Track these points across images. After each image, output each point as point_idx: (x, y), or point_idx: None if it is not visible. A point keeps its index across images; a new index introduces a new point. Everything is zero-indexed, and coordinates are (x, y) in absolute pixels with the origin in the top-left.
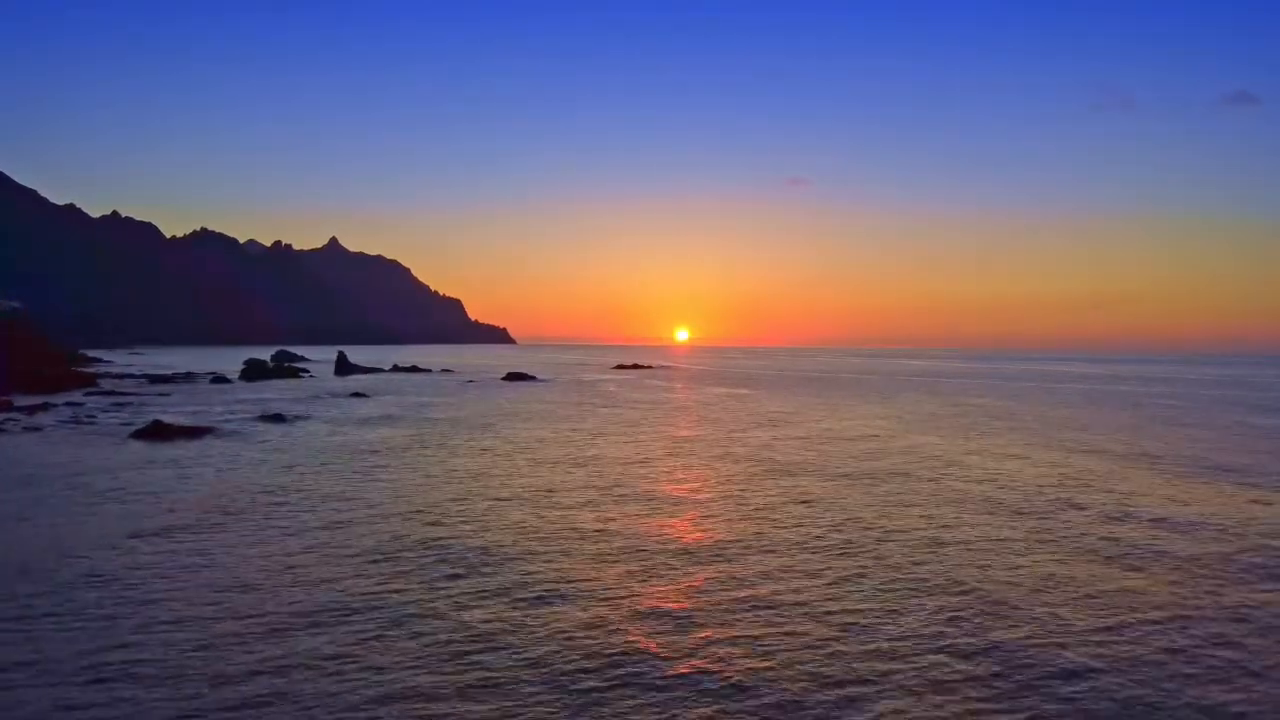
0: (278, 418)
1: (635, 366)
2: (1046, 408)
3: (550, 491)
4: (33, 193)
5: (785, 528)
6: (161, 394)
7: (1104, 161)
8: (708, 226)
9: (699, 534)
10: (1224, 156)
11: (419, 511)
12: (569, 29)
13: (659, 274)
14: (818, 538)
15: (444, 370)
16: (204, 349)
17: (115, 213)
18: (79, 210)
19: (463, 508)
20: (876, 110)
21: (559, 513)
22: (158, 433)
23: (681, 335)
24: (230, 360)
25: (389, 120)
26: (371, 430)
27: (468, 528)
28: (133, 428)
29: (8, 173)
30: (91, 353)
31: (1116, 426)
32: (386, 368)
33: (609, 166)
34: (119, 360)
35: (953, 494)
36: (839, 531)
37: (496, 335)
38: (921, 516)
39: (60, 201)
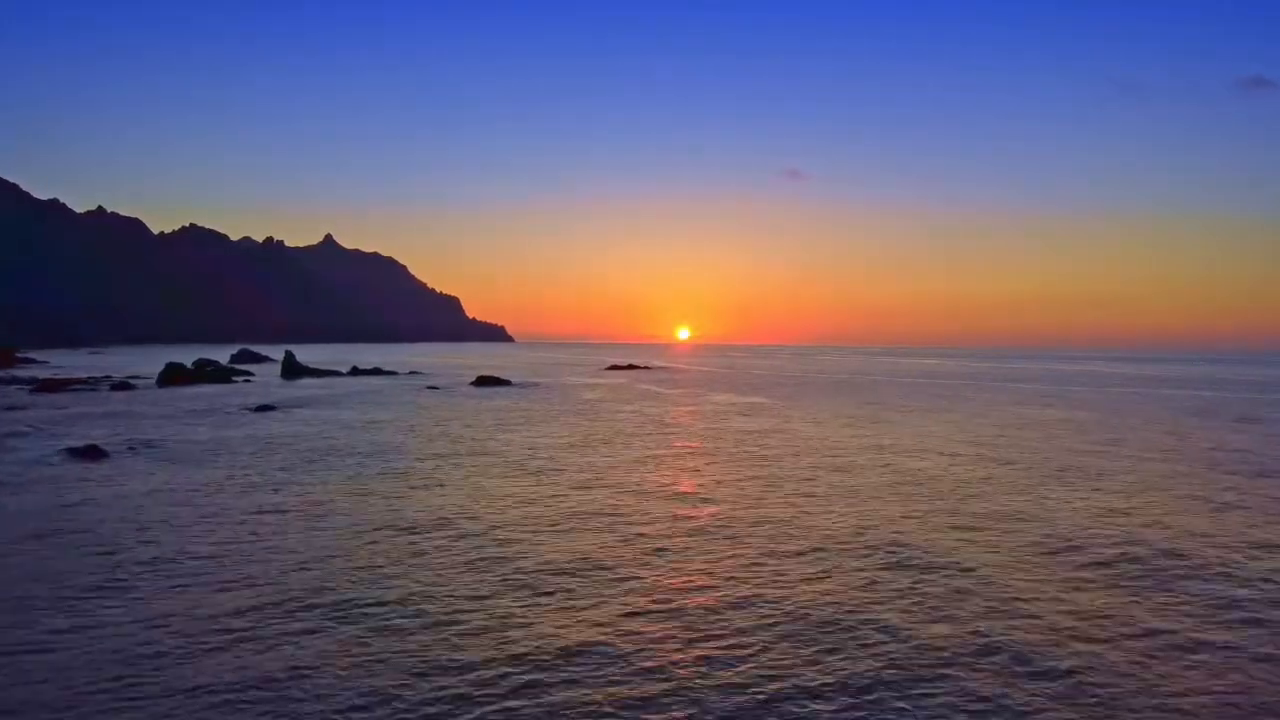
0: (93, 451)
1: (630, 367)
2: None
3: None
4: (14, 187)
5: None
6: (13, 407)
7: (1112, 154)
8: (706, 222)
9: None
10: (1238, 146)
11: None
12: (564, 26)
13: (659, 271)
14: None
15: (412, 373)
16: (190, 347)
17: (101, 208)
18: (63, 205)
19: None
20: (873, 102)
21: None
22: None
23: (683, 334)
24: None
25: (385, 116)
26: (197, 477)
27: None
28: None
29: None
30: (29, 353)
31: None
32: (344, 370)
33: (606, 163)
34: (60, 361)
35: None
36: None
37: (495, 333)
38: None
39: (43, 196)
